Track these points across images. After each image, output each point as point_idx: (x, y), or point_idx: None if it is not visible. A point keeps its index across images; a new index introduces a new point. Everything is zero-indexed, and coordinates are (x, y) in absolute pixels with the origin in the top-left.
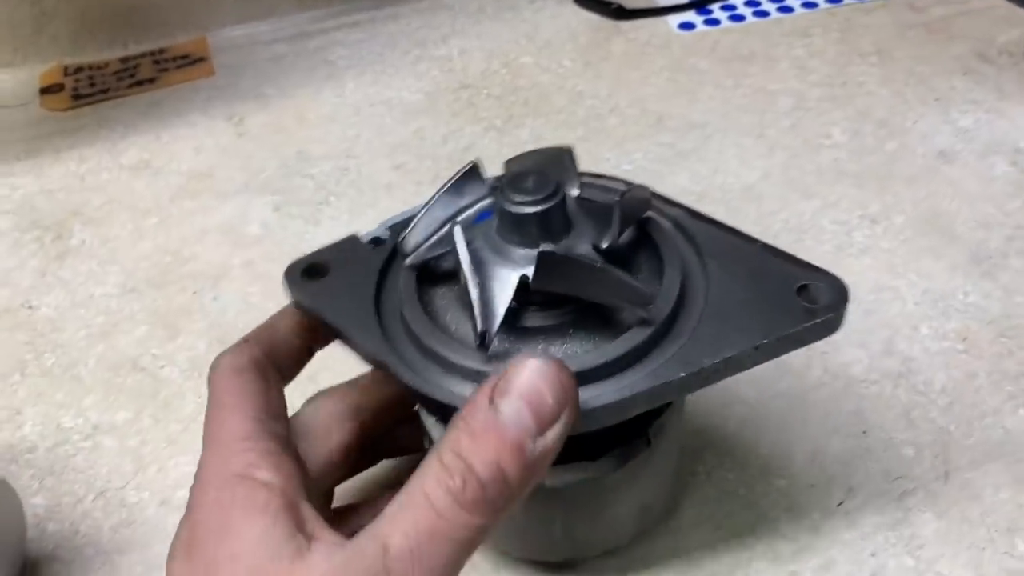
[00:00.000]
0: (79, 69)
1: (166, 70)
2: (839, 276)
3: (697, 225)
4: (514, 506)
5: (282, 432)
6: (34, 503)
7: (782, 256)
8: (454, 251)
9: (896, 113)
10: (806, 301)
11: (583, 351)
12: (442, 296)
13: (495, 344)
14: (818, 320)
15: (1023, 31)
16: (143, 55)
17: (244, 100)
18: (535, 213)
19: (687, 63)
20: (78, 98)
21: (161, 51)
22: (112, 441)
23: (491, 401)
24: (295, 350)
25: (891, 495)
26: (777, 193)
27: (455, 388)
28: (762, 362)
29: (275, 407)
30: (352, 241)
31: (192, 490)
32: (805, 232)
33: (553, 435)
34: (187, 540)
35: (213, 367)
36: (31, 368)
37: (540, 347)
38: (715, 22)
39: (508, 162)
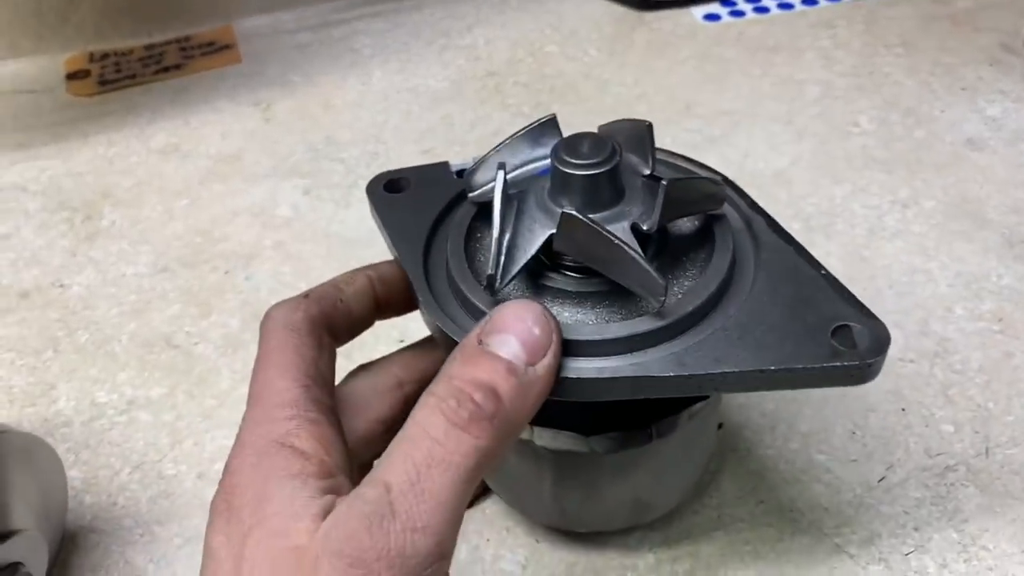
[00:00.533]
0: (105, 56)
1: (192, 57)
2: (886, 326)
3: (768, 235)
4: (511, 434)
5: (327, 401)
6: (71, 476)
7: (839, 290)
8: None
9: (923, 102)
10: (839, 342)
11: (588, 324)
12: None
13: (509, 292)
14: (841, 363)
15: None
16: (168, 42)
17: (270, 87)
18: (581, 176)
19: (713, 53)
20: (104, 84)
21: (186, 38)
22: (147, 416)
23: (480, 342)
24: (355, 316)
25: (933, 471)
26: (807, 178)
27: (466, 324)
28: (767, 389)
29: (324, 373)
30: (441, 168)
31: (232, 450)
32: (837, 216)
33: (543, 366)
34: (224, 508)
35: (267, 317)
36: (64, 345)
37: (550, 307)
38: (740, 14)
39: (601, 127)
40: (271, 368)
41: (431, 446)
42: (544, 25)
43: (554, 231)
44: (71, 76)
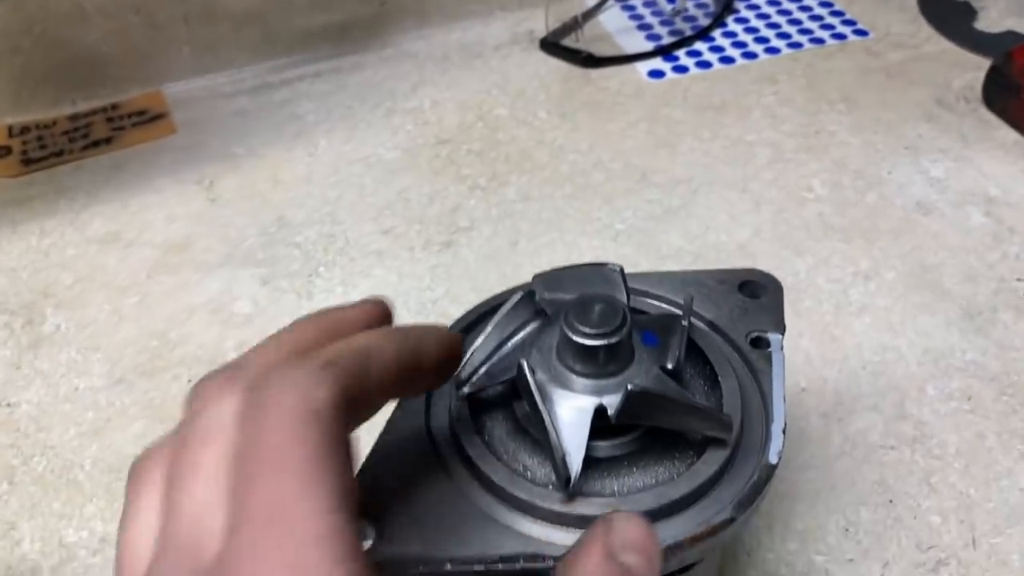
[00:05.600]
0: (25, 129)
1: (122, 128)
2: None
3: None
4: None
5: (355, 510)
6: None
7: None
8: (510, 381)
9: (871, 163)
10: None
11: (654, 481)
12: (495, 426)
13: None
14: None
15: (975, 75)
16: (94, 111)
17: (212, 161)
18: (603, 346)
19: (662, 113)
20: (28, 163)
21: (114, 107)
22: None
23: (608, 554)
24: (388, 389)
25: (926, 566)
26: (770, 250)
27: (525, 528)
28: None
29: (352, 471)
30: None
31: None
32: (803, 291)
33: None
34: None
35: (263, 388)
36: (20, 475)
37: (611, 480)
38: (683, 69)
39: (537, 276)
40: (286, 477)
41: None
42: (490, 85)
43: (599, 403)
44: None
